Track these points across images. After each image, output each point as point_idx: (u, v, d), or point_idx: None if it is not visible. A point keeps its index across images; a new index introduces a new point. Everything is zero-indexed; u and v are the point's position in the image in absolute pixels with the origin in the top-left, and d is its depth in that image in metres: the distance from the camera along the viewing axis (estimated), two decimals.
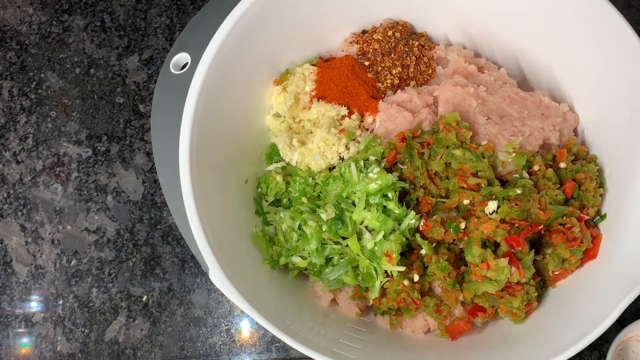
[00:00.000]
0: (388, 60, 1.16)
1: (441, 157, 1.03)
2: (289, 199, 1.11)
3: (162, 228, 1.32)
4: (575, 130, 1.12)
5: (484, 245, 0.97)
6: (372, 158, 1.05)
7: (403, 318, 1.06)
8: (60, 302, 1.29)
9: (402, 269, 0.99)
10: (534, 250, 0.97)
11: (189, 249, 1.16)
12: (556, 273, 1.01)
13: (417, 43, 1.17)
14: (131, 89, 1.40)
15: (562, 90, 1.13)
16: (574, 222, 0.96)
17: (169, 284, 1.29)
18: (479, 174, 1.02)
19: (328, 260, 1.04)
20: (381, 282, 1.01)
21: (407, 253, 1.04)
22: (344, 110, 1.12)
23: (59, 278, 1.31)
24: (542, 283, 1.03)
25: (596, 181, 1.02)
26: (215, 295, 1.28)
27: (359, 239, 1.02)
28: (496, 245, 0.98)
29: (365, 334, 1.04)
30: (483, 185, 1.00)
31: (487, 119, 1.08)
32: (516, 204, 0.97)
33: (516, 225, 0.96)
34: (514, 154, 1.03)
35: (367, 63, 1.17)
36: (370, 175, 1.01)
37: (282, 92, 1.13)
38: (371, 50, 1.16)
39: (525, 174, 1.02)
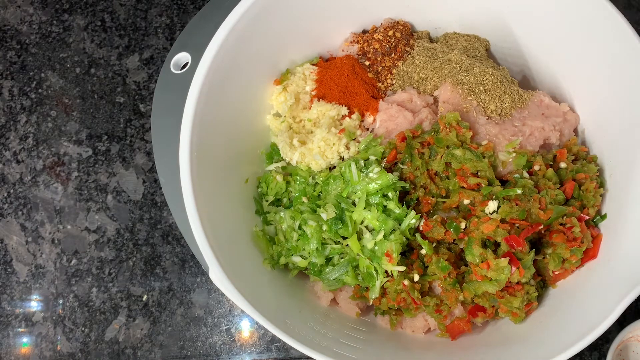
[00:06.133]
0: (388, 60, 1.16)
1: (441, 157, 1.03)
2: (289, 199, 1.11)
3: (162, 228, 1.32)
4: (575, 130, 1.12)
5: (484, 245, 0.97)
6: (372, 158, 1.05)
7: (403, 318, 1.06)
8: (61, 301, 1.29)
9: (403, 268, 0.99)
10: (534, 250, 0.97)
11: (189, 249, 1.16)
12: (556, 273, 1.01)
13: None
14: (131, 89, 1.40)
15: (562, 90, 1.13)
16: (574, 222, 0.96)
17: (169, 283, 1.29)
18: (479, 173, 1.02)
19: (328, 260, 1.04)
20: (381, 281, 1.01)
21: (408, 253, 1.04)
22: (344, 110, 1.12)
23: (59, 277, 1.31)
24: (543, 283, 1.03)
25: (596, 181, 1.02)
26: (215, 294, 1.28)
27: (359, 239, 1.02)
28: (496, 245, 0.98)
29: (366, 333, 1.04)
30: (483, 185, 1.00)
31: (487, 119, 1.08)
32: (516, 204, 0.97)
33: (516, 225, 0.96)
34: (514, 154, 1.03)
35: (367, 63, 1.17)
36: (371, 175, 1.01)
37: (282, 91, 1.13)
38: (372, 50, 1.16)
39: (526, 174, 1.02)
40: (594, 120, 1.09)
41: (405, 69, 1.15)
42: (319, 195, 1.08)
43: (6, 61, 1.42)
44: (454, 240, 1.01)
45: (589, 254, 0.98)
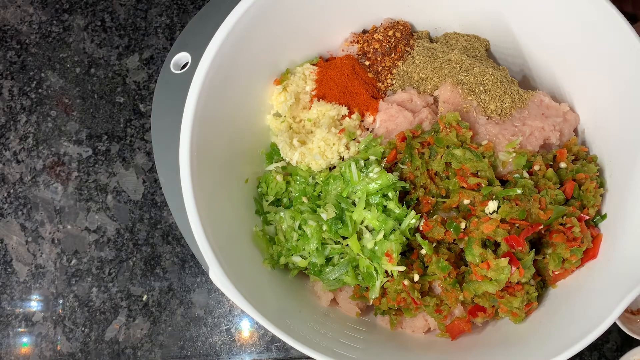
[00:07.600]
0: (388, 60, 1.16)
1: (441, 157, 1.03)
2: (289, 199, 1.11)
3: (162, 227, 1.32)
4: (575, 130, 1.12)
5: (484, 245, 0.97)
6: (372, 158, 1.05)
7: (403, 318, 1.06)
8: (61, 301, 1.30)
9: (403, 268, 0.99)
10: (534, 250, 0.97)
11: (189, 249, 1.16)
12: (556, 273, 1.01)
13: None
14: (131, 89, 1.40)
15: (562, 90, 1.13)
16: (574, 222, 0.96)
17: (169, 283, 1.29)
18: (479, 173, 1.02)
19: (328, 260, 1.04)
20: (381, 281, 1.01)
21: (408, 253, 1.04)
22: (344, 110, 1.12)
23: (59, 277, 1.31)
24: (542, 283, 1.03)
25: (596, 181, 1.02)
26: (215, 294, 1.28)
27: (359, 239, 1.02)
28: (496, 245, 0.98)
29: (366, 333, 1.04)
30: (483, 185, 1.00)
31: (487, 119, 1.08)
32: (516, 204, 0.97)
33: (516, 225, 0.96)
34: (514, 154, 1.03)
35: (367, 63, 1.17)
36: (371, 175, 1.01)
37: (282, 91, 1.13)
38: (372, 49, 1.16)
39: (526, 174, 1.02)
40: (594, 120, 1.09)
41: (405, 69, 1.15)
42: (319, 195, 1.08)
43: (6, 61, 1.42)
44: (454, 240, 1.01)
45: (589, 254, 0.98)
